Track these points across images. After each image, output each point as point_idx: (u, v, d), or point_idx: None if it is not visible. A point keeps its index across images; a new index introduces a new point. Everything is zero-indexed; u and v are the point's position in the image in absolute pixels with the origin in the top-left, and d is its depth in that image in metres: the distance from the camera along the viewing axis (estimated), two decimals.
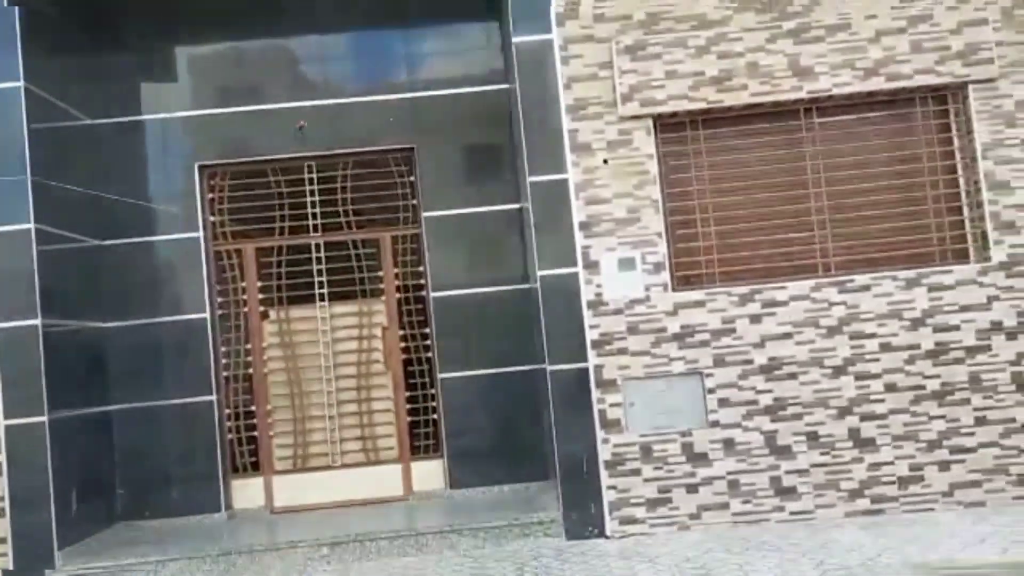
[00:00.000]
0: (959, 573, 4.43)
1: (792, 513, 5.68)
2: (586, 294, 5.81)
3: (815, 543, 5.13)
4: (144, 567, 5.52)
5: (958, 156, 5.98)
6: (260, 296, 6.80)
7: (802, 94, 5.89)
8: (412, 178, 6.82)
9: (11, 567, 5.50)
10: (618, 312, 5.82)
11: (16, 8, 5.68)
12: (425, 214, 6.74)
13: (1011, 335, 5.73)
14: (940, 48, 5.83)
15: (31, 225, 5.64)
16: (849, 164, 6.01)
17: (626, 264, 5.89)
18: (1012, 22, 5.88)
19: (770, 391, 5.76)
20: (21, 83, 5.68)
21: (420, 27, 6.90)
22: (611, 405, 5.77)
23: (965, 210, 5.96)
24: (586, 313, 5.79)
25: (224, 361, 6.74)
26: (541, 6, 5.87)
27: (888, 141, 6.03)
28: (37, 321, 5.61)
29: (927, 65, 5.84)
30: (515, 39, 5.91)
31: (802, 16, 5.89)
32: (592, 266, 5.85)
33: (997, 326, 5.74)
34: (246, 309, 6.79)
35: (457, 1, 6.84)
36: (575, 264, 5.82)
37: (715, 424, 5.76)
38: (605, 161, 5.92)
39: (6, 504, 5.54)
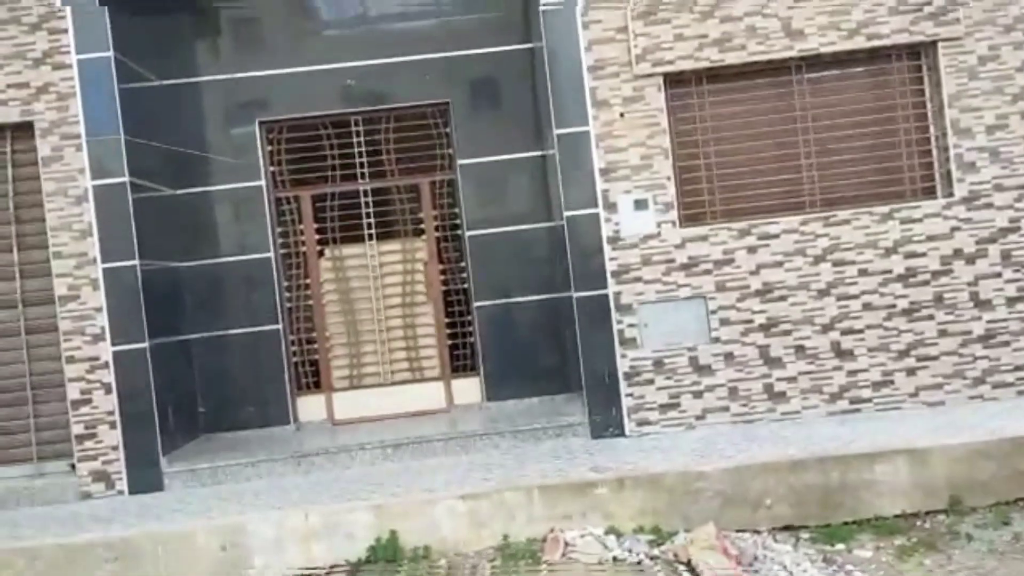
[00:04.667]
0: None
1: (782, 414, 6.69)
2: (606, 231, 6.71)
3: (801, 435, 6.15)
4: (238, 467, 6.54)
5: (928, 106, 6.84)
6: (316, 237, 7.69)
7: (793, 53, 6.72)
8: (448, 129, 7.65)
9: (124, 470, 6.51)
10: (633, 246, 6.74)
11: None
12: (460, 161, 7.57)
13: (970, 260, 6.68)
14: (914, 10, 6.65)
15: (126, 179, 6.51)
16: (834, 114, 6.87)
17: (640, 204, 6.78)
18: None
19: (764, 311, 6.72)
20: (111, 52, 6.47)
21: None
22: (628, 326, 6.73)
23: (934, 152, 6.85)
24: (606, 247, 6.70)
25: (287, 295, 7.66)
26: None
27: (868, 93, 6.89)
28: (136, 262, 6.51)
29: (903, 25, 6.67)
30: (542, 6, 6.68)
31: None
32: (611, 207, 6.74)
33: (958, 253, 6.69)
34: (304, 249, 7.68)
35: None
36: (596, 205, 6.71)
37: (717, 340, 6.73)
38: (621, 115, 6.76)
39: (116, 418, 6.53)
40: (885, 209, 6.71)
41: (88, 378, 6.52)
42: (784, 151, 6.89)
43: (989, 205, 6.68)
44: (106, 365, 6.50)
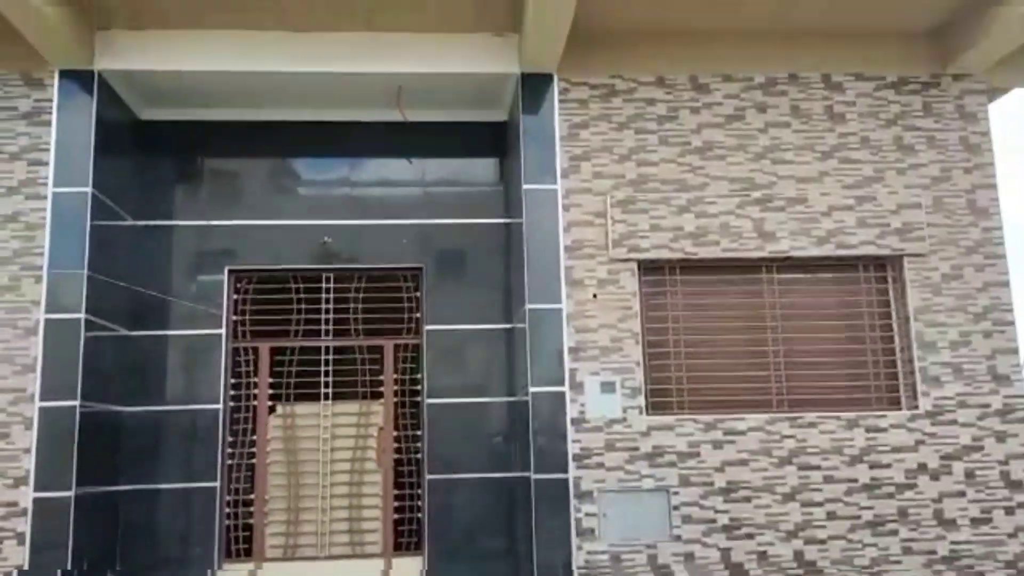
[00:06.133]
0: None
1: None
2: (571, 411, 6.55)
3: None
4: None
5: (894, 316, 6.98)
6: (270, 392, 7.39)
7: (765, 253, 6.89)
8: (418, 294, 7.59)
9: None
10: (598, 430, 6.57)
11: (94, 121, 6.46)
12: (427, 327, 7.47)
13: (934, 476, 6.60)
14: (881, 224, 6.92)
15: (82, 315, 6.26)
16: (803, 315, 6.97)
17: (607, 387, 6.68)
18: (941, 207, 7.01)
19: (727, 511, 6.49)
20: (89, 189, 6.41)
21: (435, 160, 7.75)
22: (587, 515, 6.44)
23: (899, 363, 6.92)
24: (569, 428, 6.51)
25: (229, 450, 7.25)
26: (549, 161, 6.81)
27: (837, 299, 7.03)
28: (76, 402, 6.15)
29: (870, 238, 6.91)
30: (525, 186, 6.83)
31: (767, 189, 6.95)
32: (577, 387, 6.62)
33: (923, 467, 6.61)
34: (255, 403, 7.37)
35: (470, 143, 7.75)
36: (563, 384, 6.57)
37: (678, 539, 6.45)
38: (595, 296, 6.79)
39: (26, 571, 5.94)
40: (851, 415, 6.67)
41: (1, 525, 5.97)
42: (753, 347, 6.92)
43: (953, 421, 6.68)
44: (23, 512, 5.98)
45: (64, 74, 6.56)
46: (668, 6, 6.61)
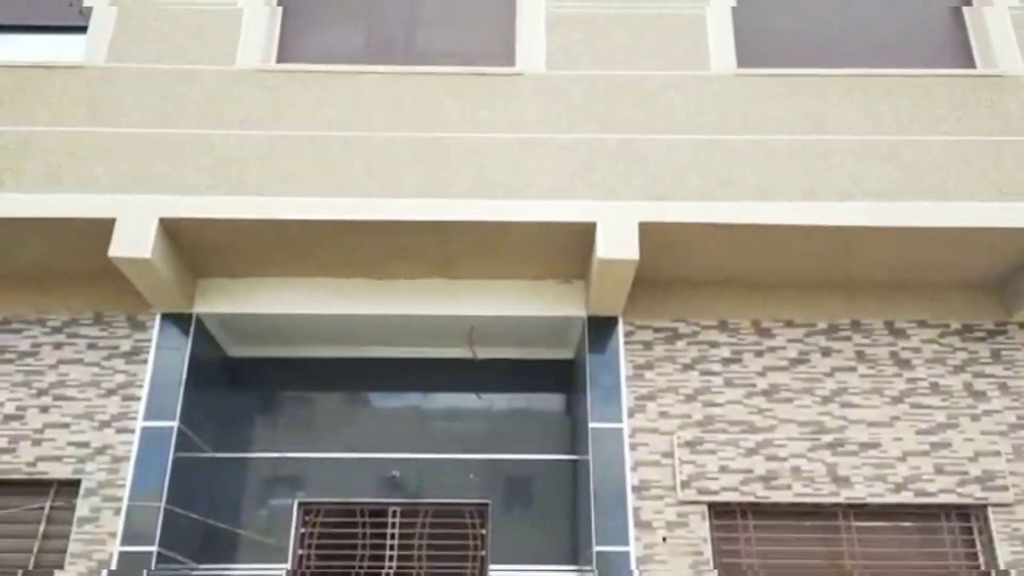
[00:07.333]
0: None
1: None
2: None
3: None
4: None
5: (982, 571, 6.58)
6: None
7: (840, 499, 6.70)
8: (483, 531, 7.51)
9: None
10: None
11: (187, 360, 6.91)
12: (491, 567, 7.31)
13: None
14: (960, 472, 6.71)
15: (155, 548, 6.36)
16: (886, 568, 6.62)
17: None
18: (1022, 455, 6.79)
19: None
20: (176, 423, 6.74)
21: (503, 396, 7.92)
22: None
23: None
24: None
25: None
26: (615, 401, 6.91)
27: (919, 550, 6.69)
28: None
29: (949, 486, 6.68)
30: (592, 424, 6.87)
31: (838, 433, 6.88)
32: None
33: None
34: None
35: (537, 380, 7.94)
36: None
37: None
38: (664, 539, 6.62)
39: None
40: None
41: None
42: None
43: None
44: None
45: (165, 316, 7.11)
46: (729, 257, 6.93)
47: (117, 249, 6.39)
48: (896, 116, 6.93)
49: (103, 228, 6.45)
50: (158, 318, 7.10)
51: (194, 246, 6.83)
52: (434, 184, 6.73)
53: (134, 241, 6.41)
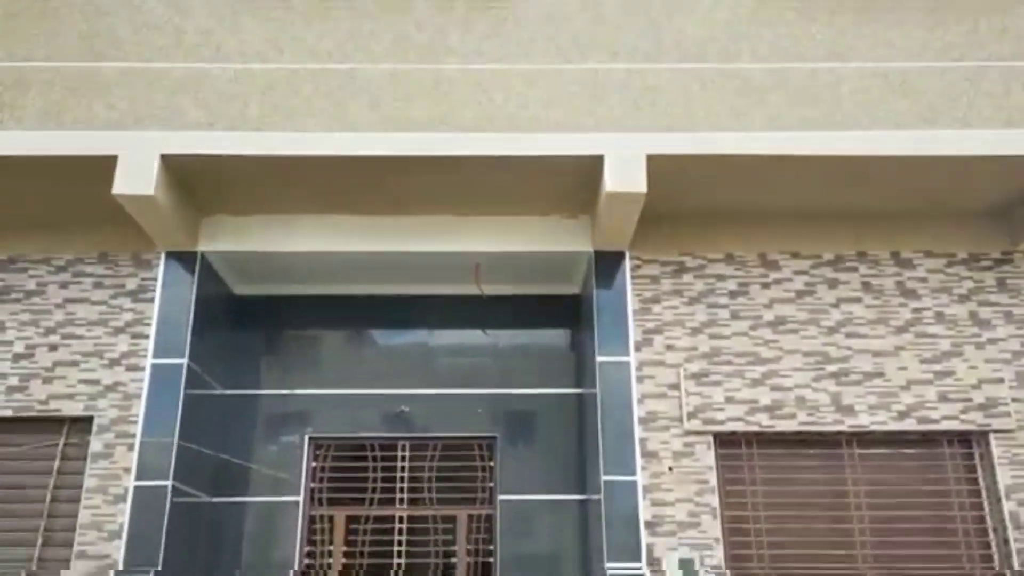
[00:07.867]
0: None
1: None
2: None
3: None
4: None
5: (984, 495, 6.73)
6: (343, 561, 7.38)
7: (843, 427, 6.80)
8: (491, 463, 7.63)
9: None
10: None
11: (194, 298, 6.91)
12: (500, 496, 7.45)
13: None
14: (963, 399, 6.80)
15: (169, 482, 6.46)
16: (887, 492, 6.75)
17: (686, 564, 6.49)
18: None
19: None
20: (186, 360, 6.77)
21: (509, 331, 7.96)
22: None
23: (993, 545, 6.60)
24: None
25: None
26: (622, 334, 6.96)
27: (921, 476, 6.82)
28: (156, 569, 6.23)
29: (952, 413, 6.78)
30: (599, 358, 6.93)
31: (842, 363, 6.94)
32: (655, 563, 6.45)
33: None
34: (328, 572, 7.35)
35: (544, 315, 7.97)
36: (640, 559, 6.41)
37: None
38: (670, 468, 6.73)
39: None
40: None
41: None
42: (836, 525, 6.70)
43: None
44: None
45: (170, 255, 7.09)
46: (736, 190, 6.89)
47: (120, 186, 6.32)
48: (907, 43, 6.83)
49: (105, 167, 6.37)
50: (163, 257, 7.08)
51: (197, 183, 6.77)
52: (438, 118, 6.65)
53: (137, 178, 6.34)
